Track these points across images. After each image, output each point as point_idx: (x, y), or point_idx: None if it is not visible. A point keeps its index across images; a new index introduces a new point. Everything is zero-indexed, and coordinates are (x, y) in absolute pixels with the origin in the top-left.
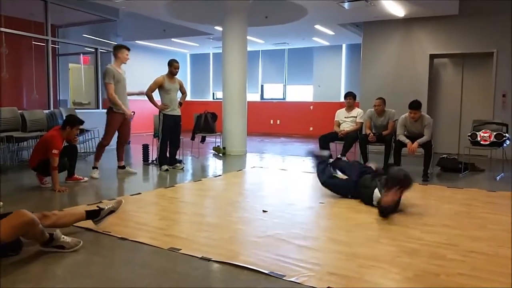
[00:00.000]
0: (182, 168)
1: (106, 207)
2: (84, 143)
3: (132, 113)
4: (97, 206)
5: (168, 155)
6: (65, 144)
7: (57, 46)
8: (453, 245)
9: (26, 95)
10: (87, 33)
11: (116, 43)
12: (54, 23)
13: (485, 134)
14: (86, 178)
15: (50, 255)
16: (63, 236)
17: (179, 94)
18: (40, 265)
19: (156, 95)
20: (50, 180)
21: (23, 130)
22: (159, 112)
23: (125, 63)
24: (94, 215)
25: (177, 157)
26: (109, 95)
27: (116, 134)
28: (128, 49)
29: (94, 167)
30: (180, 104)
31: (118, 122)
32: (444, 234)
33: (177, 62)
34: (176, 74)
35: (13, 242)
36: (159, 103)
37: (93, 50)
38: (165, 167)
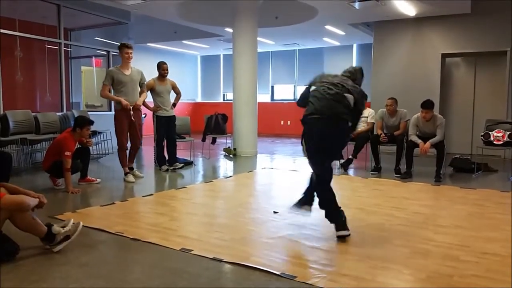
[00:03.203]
0: (181, 167)
1: (63, 230)
2: (97, 145)
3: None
4: (52, 231)
5: (167, 155)
6: (78, 146)
7: (69, 49)
8: (466, 246)
9: (40, 97)
10: (99, 36)
11: None
12: (66, 26)
13: (499, 134)
14: (98, 180)
15: (63, 256)
16: (61, 228)
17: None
18: (53, 265)
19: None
20: (63, 181)
21: (37, 133)
22: (153, 113)
23: (128, 62)
24: (50, 239)
25: (187, 158)
26: (101, 95)
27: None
28: (127, 47)
29: (126, 173)
30: (174, 105)
31: (124, 120)
32: (457, 235)
33: (165, 64)
34: (165, 76)
35: (8, 247)
36: (151, 105)
37: (105, 53)
38: (164, 167)
